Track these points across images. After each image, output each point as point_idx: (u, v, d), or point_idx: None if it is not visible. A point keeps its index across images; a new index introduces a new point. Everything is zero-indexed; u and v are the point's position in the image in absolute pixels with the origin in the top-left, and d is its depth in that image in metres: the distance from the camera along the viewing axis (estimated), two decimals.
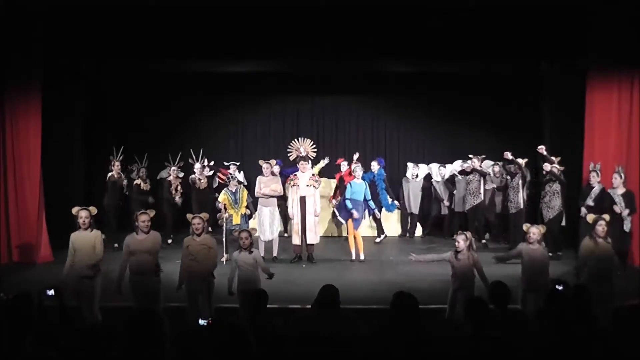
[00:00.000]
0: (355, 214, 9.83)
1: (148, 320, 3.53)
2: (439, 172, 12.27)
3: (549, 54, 10.49)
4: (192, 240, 6.77)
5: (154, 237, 6.72)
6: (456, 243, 6.66)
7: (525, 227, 6.95)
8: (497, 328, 4.35)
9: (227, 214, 9.70)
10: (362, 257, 9.95)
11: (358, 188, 10.01)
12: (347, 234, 10.29)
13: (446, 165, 12.39)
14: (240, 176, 12.04)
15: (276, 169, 11.29)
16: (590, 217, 7.13)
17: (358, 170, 10.27)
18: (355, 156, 11.31)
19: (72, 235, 6.72)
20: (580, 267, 6.93)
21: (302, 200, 9.75)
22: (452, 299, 6.61)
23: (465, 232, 6.79)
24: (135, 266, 6.56)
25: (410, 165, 12.40)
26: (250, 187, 10.83)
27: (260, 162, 10.27)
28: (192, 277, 6.64)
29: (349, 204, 9.91)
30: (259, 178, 10.06)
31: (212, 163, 11.95)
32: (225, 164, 12.14)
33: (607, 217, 7.03)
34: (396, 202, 11.78)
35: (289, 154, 11.01)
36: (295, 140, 11.00)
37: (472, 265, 6.59)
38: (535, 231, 6.78)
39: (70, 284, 6.51)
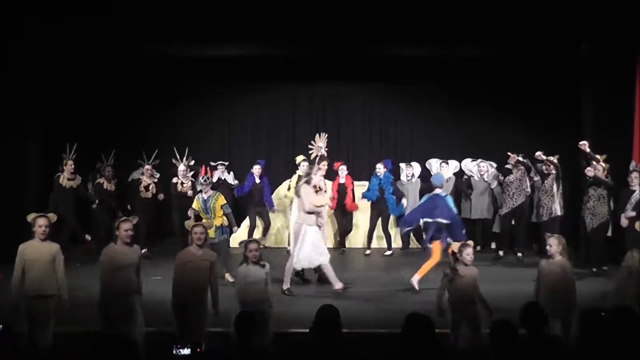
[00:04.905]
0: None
1: (120, 347, 3.50)
2: (479, 168, 11.86)
3: (590, 35, 10.48)
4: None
5: (137, 250, 6.68)
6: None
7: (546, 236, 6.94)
8: (530, 356, 4.33)
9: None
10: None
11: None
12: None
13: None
14: (230, 177, 11.99)
15: (257, 169, 11.67)
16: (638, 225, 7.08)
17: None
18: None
19: (22, 247, 6.53)
20: (621, 286, 6.74)
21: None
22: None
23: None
24: (120, 283, 6.43)
25: (402, 165, 12.25)
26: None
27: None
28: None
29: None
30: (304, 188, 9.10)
31: (192, 162, 11.88)
32: (212, 164, 12.08)
33: None
34: (404, 202, 11.48)
35: (310, 152, 10.72)
36: (318, 135, 10.88)
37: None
38: (553, 242, 6.69)
39: (22, 305, 6.40)
